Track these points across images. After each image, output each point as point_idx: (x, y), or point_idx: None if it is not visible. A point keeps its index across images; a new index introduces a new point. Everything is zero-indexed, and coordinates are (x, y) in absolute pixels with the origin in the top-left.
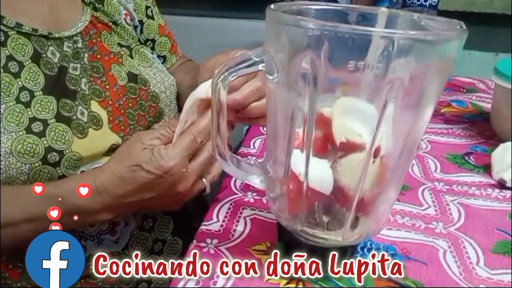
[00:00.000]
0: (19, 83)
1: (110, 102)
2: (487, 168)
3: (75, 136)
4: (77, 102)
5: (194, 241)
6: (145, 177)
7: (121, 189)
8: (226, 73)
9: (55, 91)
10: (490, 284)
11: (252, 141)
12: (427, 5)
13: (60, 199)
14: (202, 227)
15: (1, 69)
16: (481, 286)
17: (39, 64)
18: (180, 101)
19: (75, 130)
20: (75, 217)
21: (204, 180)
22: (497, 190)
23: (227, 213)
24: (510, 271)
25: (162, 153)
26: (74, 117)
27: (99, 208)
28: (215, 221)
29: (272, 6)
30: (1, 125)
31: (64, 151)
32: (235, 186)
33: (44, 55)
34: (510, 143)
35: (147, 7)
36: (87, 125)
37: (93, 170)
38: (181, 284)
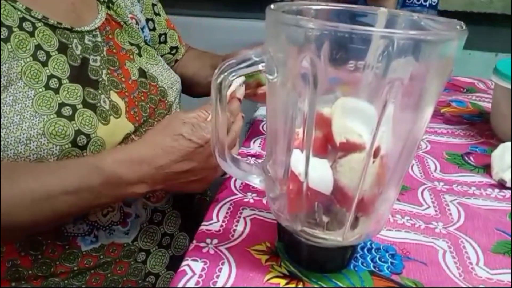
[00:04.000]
0: (47, 71)
1: (126, 94)
2: (487, 168)
3: (99, 122)
4: (99, 91)
5: (194, 241)
6: (187, 146)
7: (161, 159)
8: (226, 73)
9: (80, 80)
10: (489, 284)
11: (252, 141)
12: (427, 5)
13: (98, 167)
14: (202, 227)
15: (31, 57)
16: (480, 286)
17: (66, 55)
18: (199, 88)
19: (100, 117)
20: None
21: None
22: (497, 190)
23: (227, 213)
24: (510, 271)
25: (202, 125)
26: (98, 104)
27: (137, 179)
28: (215, 221)
29: (272, 6)
30: (32, 109)
31: (90, 135)
32: (235, 187)
33: (70, 46)
34: (510, 143)
35: (153, 5)
36: (109, 112)
37: (131, 143)
38: (181, 284)
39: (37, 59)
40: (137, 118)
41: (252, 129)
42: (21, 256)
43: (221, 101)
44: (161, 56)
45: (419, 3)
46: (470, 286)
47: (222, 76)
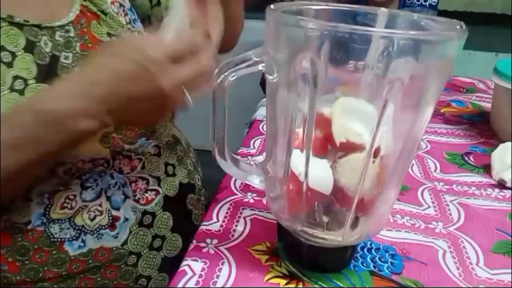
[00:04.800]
0: (12, 72)
1: None
2: (487, 168)
3: None
4: None
5: (194, 241)
6: (128, 64)
7: (99, 84)
8: (226, 73)
9: (47, 79)
10: (489, 284)
11: (252, 141)
12: (427, 5)
13: (27, 107)
14: (202, 227)
15: None
16: (480, 286)
17: (33, 53)
18: None
19: None
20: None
21: (187, 94)
22: (497, 190)
23: (227, 213)
24: (510, 271)
25: (146, 41)
26: None
27: (72, 113)
28: (215, 221)
29: (272, 6)
30: None
31: None
32: (235, 187)
33: (38, 44)
34: (510, 143)
35: None
36: None
37: (67, 76)
38: (181, 284)
39: (1, 60)
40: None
41: (252, 129)
42: (8, 262)
43: (220, 101)
44: (161, 19)
45: (419, 3)
46: (470, 286)
47: (222, 76)
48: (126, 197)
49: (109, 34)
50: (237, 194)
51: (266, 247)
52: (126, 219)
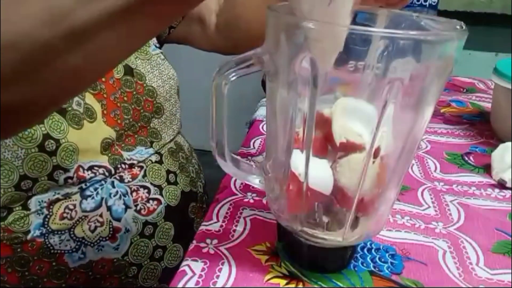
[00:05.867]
0: None
1: (105, 95)
2: (487, 168)
3: (70, 126)
4: None
5: (194, 241)
6: None
7: None
8: (226, 73)
9: None
10: (489, 285)
11: (252, 141)
12: (427, 5)
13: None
14: (202, 227)
15: None
16: (480, 286)
17: None
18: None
19: (71, 121)
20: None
21: None
22: (497, 190)
23: (227, 213)
24: (510, 271)
25: None
26: (70, 108)
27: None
28: (215, 221)
29: (272, 6)
30: None
31: (60, 140)
32: (235, 187)
33: None
34: (510, 143)
35: None
36: (82, 116)
37: None
38: (181, 284)
39: None
40: (118, 121)
41: (252, 129)
42: (8, 272)
43: (220, 101)
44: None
45: (419, 3)
46: (470, 286)
47: (221, 76)
48: (127, 207)
49: None
50: (237, 194)
51: (266, 247)
52: (127, 230)
